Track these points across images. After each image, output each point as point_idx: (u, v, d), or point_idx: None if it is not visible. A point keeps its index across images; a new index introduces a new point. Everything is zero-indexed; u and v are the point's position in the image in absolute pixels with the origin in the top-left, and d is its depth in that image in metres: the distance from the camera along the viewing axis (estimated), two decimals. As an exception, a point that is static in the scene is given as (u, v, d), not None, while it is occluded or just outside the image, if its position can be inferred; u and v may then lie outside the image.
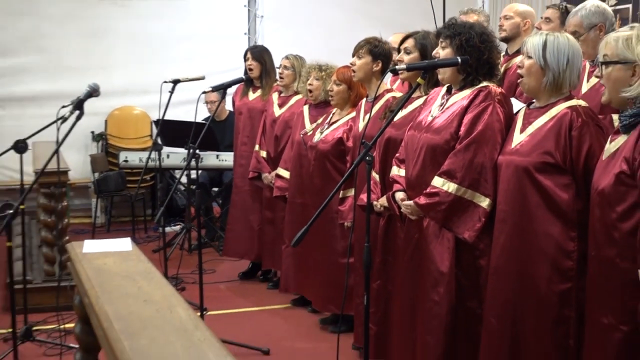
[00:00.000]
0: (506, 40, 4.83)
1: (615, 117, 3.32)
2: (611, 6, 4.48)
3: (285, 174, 5.52)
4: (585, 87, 3.86)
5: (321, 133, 5.08)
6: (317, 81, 5.33)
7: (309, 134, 5.22)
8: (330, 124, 5.08)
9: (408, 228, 3.84)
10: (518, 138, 3.29)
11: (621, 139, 2.80)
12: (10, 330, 3.96)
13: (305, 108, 5.50)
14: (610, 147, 2.87)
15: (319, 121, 5.22)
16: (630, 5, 7.44)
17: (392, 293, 4.11)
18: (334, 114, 5.12)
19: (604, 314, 2.81)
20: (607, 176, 2.78)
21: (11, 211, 3.66)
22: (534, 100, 3.35)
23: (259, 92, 6.19)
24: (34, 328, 4.71)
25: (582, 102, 3.23)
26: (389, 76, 4.79)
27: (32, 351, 4.52)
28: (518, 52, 4.38)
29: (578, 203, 3.07)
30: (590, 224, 2.94)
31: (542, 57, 3.20)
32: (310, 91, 5.38)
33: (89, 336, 2.79)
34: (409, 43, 4.19)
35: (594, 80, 3.76)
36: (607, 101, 2.90)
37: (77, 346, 2.99)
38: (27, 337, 4.58)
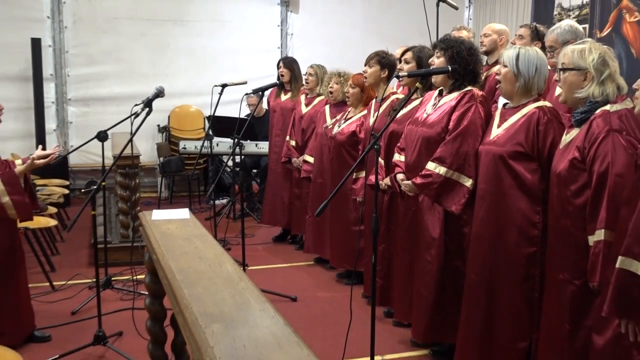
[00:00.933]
0: (486, 53, 4.78)
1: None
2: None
3: (310, 159, 5.53)
4: (558, 91, 3.83)
5: (339, 127, 5.07)
6: (337, 85, 5.32)
7: (329, 127, 5.22)
8: (346, 120, 5.06)
9: (407, 202, 3.84)
10: (495, 132, 3.27)
11: (574, 132, 2.79)
12: (94, 280, 4.01)
13: (327, 107, 5.49)
14: (566, 138, 2.86)
15: (337, 117, 5.21)
16: (587, 25, 7.37)
17: (393, 254, 4.12)
18: (349, 111, 5.11)
19: (560, 272, 2.80)
20: (563, 161, 2.76)
21: (95, 187, 3.68)
22: (509, 102, 3.33)
23: (289, 94, 6.18)
24: (113, 279, 4.79)
25: (547, 103, 3.20)
26: (394, 81, 4.76)
27: (111, 296, 4.58)
28: (496, 63, 4.32)
29: (542, 184, 3.05)
30: (549, 200, 2.93)
31: (516, 66, 3.18)
32: (331, 93, 5.37)
33: (156, 285, 2.84)
34: (408, 55, 4.17)
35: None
36: (563, 101, 2.88)
37: (146, 293, 3.02)
38: (107, 286, 4.66)
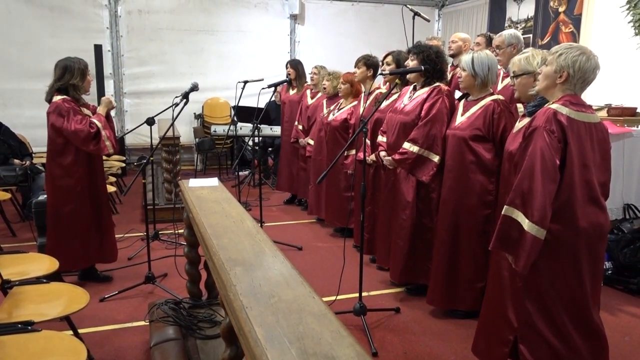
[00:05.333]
0: (453, 56, 4.71)
1: (519, 105, 3.27)
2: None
3: (312, 142, 5.49)
4: (500, 86, 3.79)
5: (333, 115, 5.02)
6: (328, 82, 5.37)
7: (325, 115, 5.18)
8: (339, 109, 5.01)
9: (387, 174, 3.82)
10: (459, 119, 3.23)
11: (525, 120, 2.73)
12: (145, 233, 4.01)
13: (324, 100, 5.45)
14: (518, 124, 2.80)
15: (332, 108, 5.17)
16: (531, 35, 7.27)
17: (377, 214, 4.11)
18: (341, 102, 5.05)
19: None
20: (515, 143, 2.70)
21: (145, 161, 3.66)
22: (470, 95, 3.28)
23: (295, 90, 6.13)
24: (160, 232, 4.79)
25: (500, 97, 3.16)
26: (379, 78, 4.70)
27: (158, 246, 4.58)
28: (461, 64, 4.29)
29: (496, 160, 3.03)
30: (502, 173, 2.89)
31: (472, 68, 3.13)
32: (325, 88, 5.37)
33: (192, 237, 2.83)
34: (389, 58, 4.12)
35: (506, 81, 3.71)
36: (518, 97, 2.81)
37: (185, 243, 3.02)
38: (155, 238, 4.66)
